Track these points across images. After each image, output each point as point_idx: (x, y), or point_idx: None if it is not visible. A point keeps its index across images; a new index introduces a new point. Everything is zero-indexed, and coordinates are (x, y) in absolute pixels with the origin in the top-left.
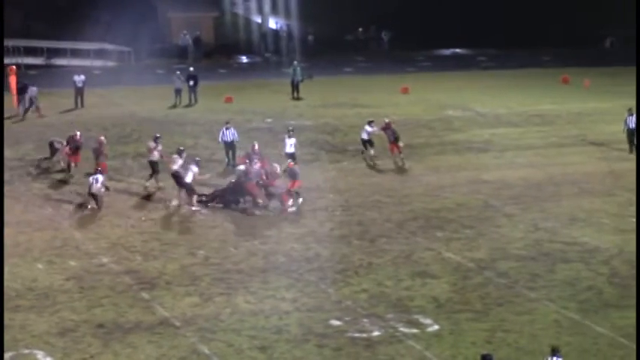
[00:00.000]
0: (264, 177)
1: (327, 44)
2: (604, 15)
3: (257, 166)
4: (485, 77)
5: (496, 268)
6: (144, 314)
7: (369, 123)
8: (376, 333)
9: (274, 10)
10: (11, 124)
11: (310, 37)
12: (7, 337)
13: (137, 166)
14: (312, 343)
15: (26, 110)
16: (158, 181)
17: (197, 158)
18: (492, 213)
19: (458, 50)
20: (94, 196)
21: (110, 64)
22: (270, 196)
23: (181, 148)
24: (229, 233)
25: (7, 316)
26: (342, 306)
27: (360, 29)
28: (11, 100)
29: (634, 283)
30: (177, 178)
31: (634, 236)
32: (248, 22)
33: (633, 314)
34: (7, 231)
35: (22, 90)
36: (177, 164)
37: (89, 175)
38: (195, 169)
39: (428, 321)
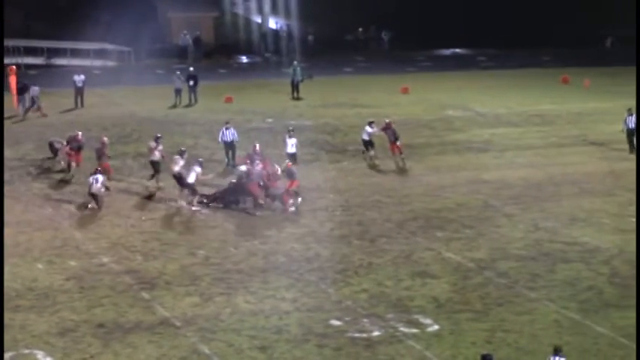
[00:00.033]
0: (266, 178)
1: (327, 44)
2: (604, 15)
3: (259, 167)
4: (485, 77)
5: (496, 268)
6: (144, 314)
7: (370, 124)
8: (376, 333)
9: (274, 10)
10: (11, 124)
11: (310, 37)
12: (7, 337)
13: (137, 166)
14: (312, 343)
15: (27, 110)
16: (158, 181)
17: (200, 159)
18: (492, 213)
19: (458, 50)
20: (94, 196)
21: (110, 64)
22: (271, 197)
23: (183, 149)
24: (229, 233)
25: (7, 316)
26: (342, 306)
27: (360, 29)
28: (11, 100)
29: (634, 283)
30: (179, 179)
31: (634, 236)
32: (248, 22)
33: (634, 314)
34: (7, 231)
35: (22, 90)
36: (178, 165)
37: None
38: (198, 169)
39: (428, 321)
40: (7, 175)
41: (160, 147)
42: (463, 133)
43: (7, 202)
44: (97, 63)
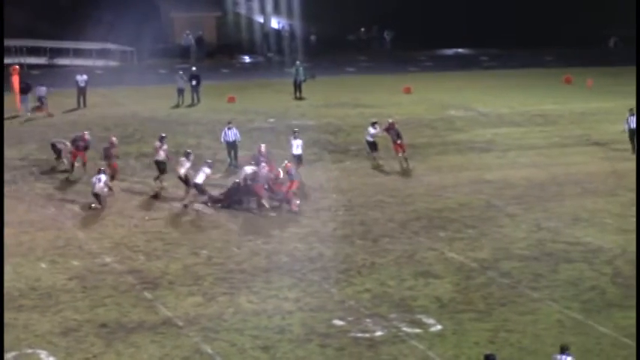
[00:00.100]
0: (271, 181)
1: (329, 44)
2: (607, 15)
3: (265, 169)
4: (487, 77)
5: (499, 268)
6: (147, 314)
7: (373, 124)
8: (379, 333)
9: (277, 10)
10: (14, 124)
11: (313, 37)
12: (10, 336)
13: (140, 166)
14: (314, 342)
15: (37, 109)
16: (162, 180)
17: (209, 160)
18: (495, 213)
19: (460, 50)
20: (96, 196)
21: (113, 63)
22: (276, 199)
23: (188, 150)
24: (232, 233)
25: (10, 315)
26: (344, 306)
27: (363, 29)
28: (14, 100)
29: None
30: (185, 181)
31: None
32: (250, 21)
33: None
34: (10, 230)
35: (24, 90)
36: (184, 167)
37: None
38: (207, 170)
39: (431, 321)
40: (10, 175)
41: (165, 146)
42: (465, 133)
43: (11, 202)
44: (100, 63)
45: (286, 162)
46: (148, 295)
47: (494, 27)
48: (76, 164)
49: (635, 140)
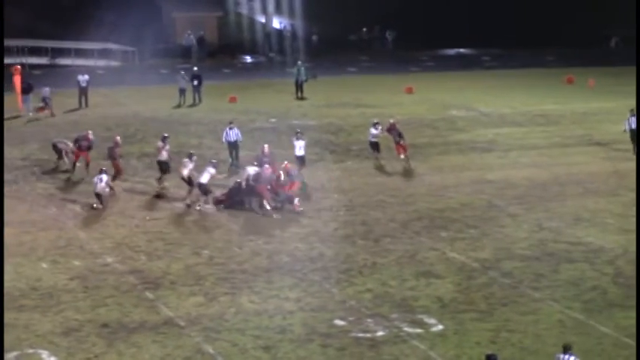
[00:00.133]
0: (274, 183)
1: (331, 44)
2: (609, 15)
3: (268, 171)
4: (489, 77)
5: (500, 268)
6: (148, 314)
7: (374, 125)
8: (380, 333)
9: (278, 10)
10: (16, 124)
11: (314, 37)
12: (11, 336)
13: (142, 166)
14: (316, 342)
15: (39, 109)
16: (164, 180)
17: (214, 160)
18: (496, 213)
19: (462, 50)
20: (98, 196)
21: (114, 63)
22: (279, 201)
23: (192, 152)
24: (233, 233)
25: (11, 315)
26: (346, 306)
27: (364, 29)
28: (16, 99)
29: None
30: (189, 182)
31: None
32: (252, 21)
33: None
34: (11, 231)
35: (26, 90)
36: (187, 169)
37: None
38: (212, 170)
39: (432, 321)
40: (11, 175)
41: (167, 147)
42: (467, 133)
43: (12, 202)
44: (101, 63)
45: (285, 163)
46: (149, 295)
47: (496, 27)
48: (78, 164)
49: (636, 140)
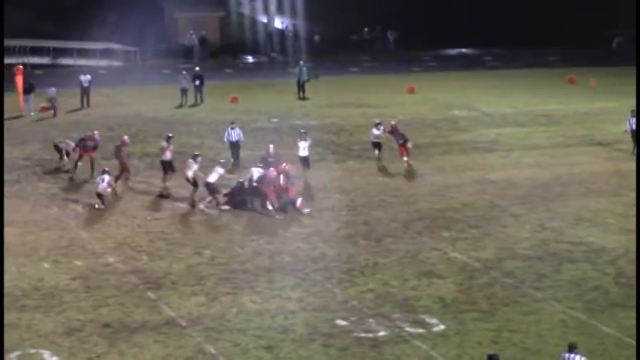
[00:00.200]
0: (279, 184)
1: (332, 44)
2: (611, 15)
3: (273, 173)
4: (491, 77)
5: (502, 268)
6: (150, 314)
7: (376, 125)
8: (382, 333)
9: (280, 10)
10: (18, 124)
11: (316, 37)
12: (13, 336)
13: (143, 166)
14: (318, 342)
15: (44, 109)
16: (165, 180)
17: (222, 160)
18: (498, 213)
19: (464, 50)
20: (100, 196)
21: (116, 63)
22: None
23: (196, 153)
24: (235, 233)
25: (13, 315)
26: (348, 306)
27: (366, 29)
28: (17, 99)
29: None
30: (193, 183)
31: None
32: (254, 21)
33: None
34: (13, 230)
35: (28, 90)
36: (192, 170)
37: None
38: (221, 170)
39: (434, 321)
40: (13, 175)
41: (171, 147)
42: (469, 133)
43: (14, 202)
44: (103, 63)
45: (284, 164)
46: (151, 295)
47: (498, 27)
48: (80, 164)
49: (636, 141)
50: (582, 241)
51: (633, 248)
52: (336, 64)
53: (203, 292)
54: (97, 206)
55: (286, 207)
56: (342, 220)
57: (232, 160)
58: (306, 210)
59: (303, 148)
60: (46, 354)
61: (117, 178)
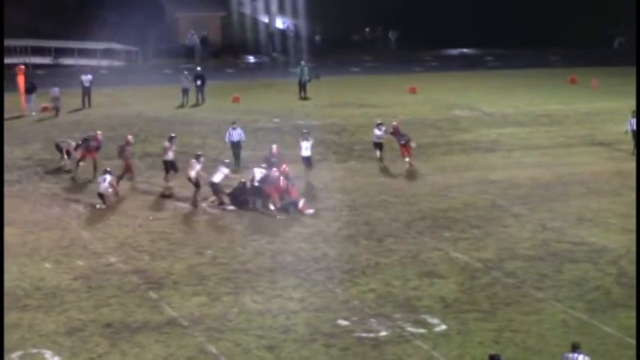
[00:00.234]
0: (281, 184)
1: (334, 44)
2: (613, 15)
3: (276, 173)
4: (492, 77)
5: (503, 268)
6: (151, 314)
7: (378, 126)
8: (384, 333)
9: (281, 10)
10: (19, 124)
11: (317, 37)
12: (15, 336)
13: (144, 166)
14: (319, 342)
15: (45, 109)
16: (167, 180)
17: (226, 160)
18: (500, 213)
19: (465, 50)
20: (101, 196)
21: (117, 63)
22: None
23: (199, 153)
24: (237, 233)
25: (15, 315)
26: (349, 306)
27: (367, 29)
28: (19, 99)
29: None
30: (196, 183)
31: None
32: (255, 21)
33: None
34: (15, 230)
35: (29, 90)
36: (194, 170)
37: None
38: (226, 170)
39: (435, 321)
40: (15, 175)
41: (174, 147)
42: (470, 133)
43: (15, 202)
44: (105, 63)
45: (283, 166)
46: (152, 295)
47: (500, 27)
48: (82, 164)
49: (636, 141)
50: (584, 241)
51: (635, 248)
52: (338, 64)
53: (205, 292)
54: (98, 206)
55: (288, 207)
56: (344, 220)
57: (233, 160)
58: (310, 211)
59: (306, 148)
60: (47, 354)
61: (119, 178)
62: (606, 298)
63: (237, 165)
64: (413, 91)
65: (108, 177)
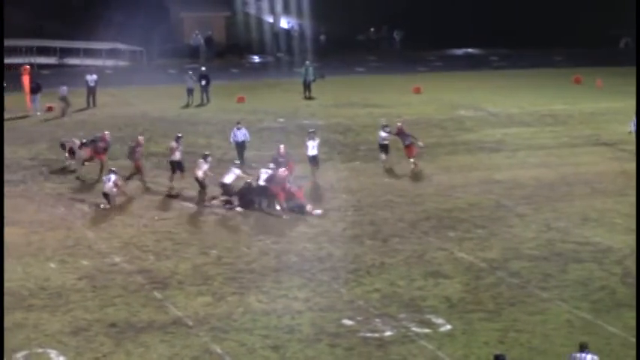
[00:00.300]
0: (286, 188)
1: (338, 44)
2: (618, 15)
3: (284, 173)
4: (497, 77)
5: (508, 268)
6: (156, 313)
7: (383, 127)
8: (388, 333)
9: (286, 10)
10: (24, 124)
11: (322, 37)
12: (20, 336)
13: (149, 166)
14: (324, 342)
15: (62, 109)
16: (173, 180)
17: (237, 161)
18: (504, 213)
19: (470, 50)
20: (105, 196)
21: (122, 63)
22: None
23: (207, 153)
24: (242, 233)
25: (20, 315)
26: (354, 306)
27: (372, 29)
28: (24, 99)
29: None
30: (201, 183)
31: None
32: (260, 21)
33: None
34: (20, 230)
35: (35, 90)
36: (202, 170)
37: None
38: (237, 171)
39: (440, 321)
40: (19, 175)
41: (181, 147)
42: (475, 133)
43: (20, 202)
44: (110, 63)
45: (286, 167)
46: (157, 294)
47: (504, 27)
48: (87, 164)
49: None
50: (588, 241)
51: None
52: (342, 64)
53: (209, 291)
54: (102, 206)
55: (294, 209)
56: (349, 220)
57: (238, 160)
58: (318, 211)
59: (312, 147)
60: (52, 353)
61: (127, 179)
62: (611, 298)
63: (241, 164)
64: (417, 91)
65: (113, 177)
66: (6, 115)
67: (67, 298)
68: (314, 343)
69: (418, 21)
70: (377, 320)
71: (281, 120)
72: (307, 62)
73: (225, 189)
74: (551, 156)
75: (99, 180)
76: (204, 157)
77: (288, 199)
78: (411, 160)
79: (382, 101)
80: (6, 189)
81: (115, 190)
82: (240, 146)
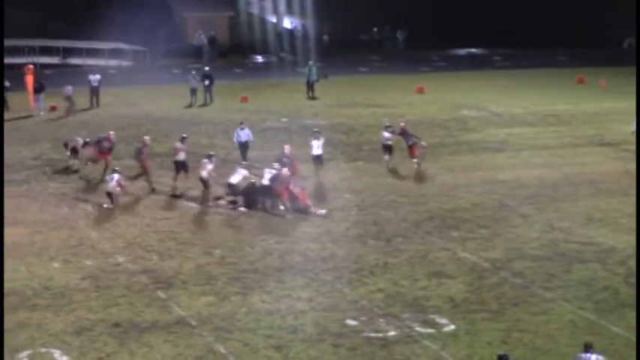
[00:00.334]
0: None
1: (342, 44)
2: (622, 15)
3: (287, 173)
4: (500, 77)
5: (512, 268)
6: (160, 313)
7: (387, 128)
8: (392, 333)
9: (289, 10)
10: (28, 124)
11: (325, 37)
12: (24, 335)
13: (153, 166)
14: (327, 342)
15: (67, 108)
16: (177, 180)
17: (243, 162)
18: (508, 213)
19: (473, 50)
20: (109, 195)
21: (125, 63)
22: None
23: (211, 153)
24: (245, 232)
25: (24, 314)
26: (357, 306)
27: (375, 29)
28: (27, 99)
29: None
30: (205, 182)
31: None
32: (263, 21)
33: None
34: (23, 230)
35: (38, 89)
36: (206, 170)
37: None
38: (244, 171)
39: (444, 321)
40: (23, 175)
41: (185, 147)
42: (478, 133)
43: (24, 202)
44: (113, 63)
45: (284, 169)
46: (161, 294)
47: (507, 27)
48: (90, 164)
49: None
50: (592, 241)
51: None
52: (345, 63)
53: (213, 291)
54: (105, 205)
55: (297, 210)
56: (352, 220)
57: (241, 160)
58: (322, 211)
59: (317, 147)
60: (56, 353)
61: (133, 179)
62: (614, 299)
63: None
64: (421, 91)
65: (116, 176)
66: (9, 115)
67: (70, 297)
68: (317, 343)
69: (421, 21)
70: (380, 320)
71: (284, 120)
72: (310, 62)
73: (232, 189)
74: (555, 156)
75: (102, 180)
76: (209, 157)
77: (291, 200)
78: (414, 160)
79: (385, 101)
80: (9, 189)
81: (118, 189)
82: (244, 146)
